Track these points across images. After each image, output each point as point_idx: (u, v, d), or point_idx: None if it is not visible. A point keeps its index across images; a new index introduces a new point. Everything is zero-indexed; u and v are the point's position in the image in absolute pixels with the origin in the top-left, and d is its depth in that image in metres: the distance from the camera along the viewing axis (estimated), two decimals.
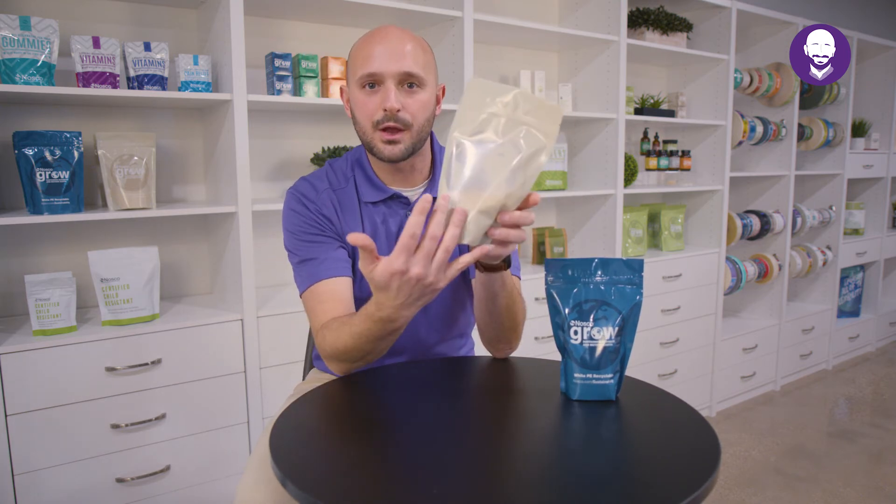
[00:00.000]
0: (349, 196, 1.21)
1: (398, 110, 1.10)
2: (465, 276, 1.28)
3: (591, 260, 1.02)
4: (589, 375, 1.01)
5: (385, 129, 1.12)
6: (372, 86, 1.11)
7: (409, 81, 1.11)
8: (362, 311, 1.00)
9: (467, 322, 1.35)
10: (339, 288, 1.14)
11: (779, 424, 2.97)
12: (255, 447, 1.11)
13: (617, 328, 1.00)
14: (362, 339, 1.02)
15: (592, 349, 1.01)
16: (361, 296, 1.21)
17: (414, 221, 0.85)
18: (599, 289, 1.01)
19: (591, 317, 1.01)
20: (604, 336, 1.00)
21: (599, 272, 1.02)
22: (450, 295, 1.27)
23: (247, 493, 1.02)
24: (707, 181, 3.11)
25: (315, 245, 1.17)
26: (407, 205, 1.21)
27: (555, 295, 1.02)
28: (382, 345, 1.04)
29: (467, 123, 0.89)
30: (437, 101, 1.20)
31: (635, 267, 1.02)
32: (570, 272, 1.02)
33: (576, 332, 1.01)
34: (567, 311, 1.02)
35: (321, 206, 1.19)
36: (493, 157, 0.87)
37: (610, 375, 1.01)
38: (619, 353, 1.01)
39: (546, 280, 1.03)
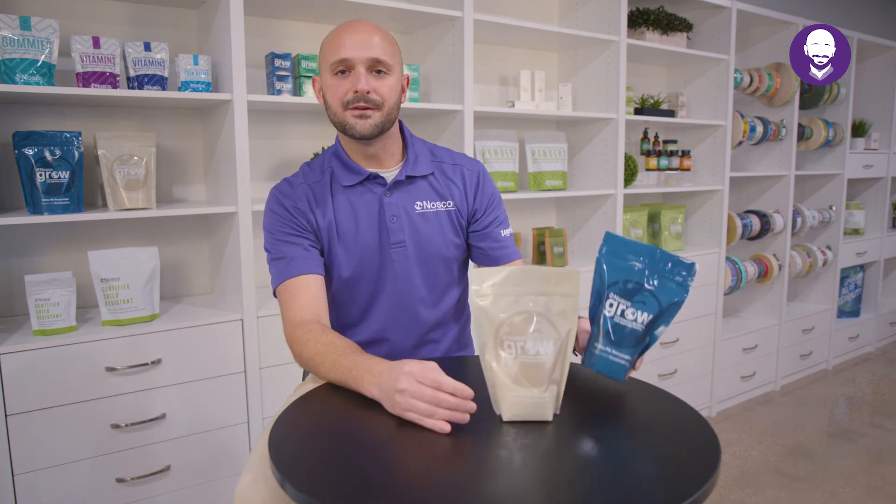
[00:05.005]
0: (323, 187, 1.28)
1: (368, 92, 1.19)
2: (451, 271, 1.33)
3: (655, 248, 1.02)
4: (609, 350, 1.01)
5: (355, 108, 1.19)
6: (343, 72, 1.20)
7: (377, 68, 1.20)
8: (362, 359, 1.03)
9: (463, 308, 1.41)
10: (309, 284, 1.21)
11: (779, 424, 2.97)
12: (254, 446, 1.12)
13: (651, 317, 1.00)
14: (337, 374, 1.06)
15: (621, 326, 1.01)
16: (345, 275, 1.27)
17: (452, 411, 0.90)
18: (648, 275, 1.01)
19: (632, 297, 1.01)
20: (636, 319, 1.01)
21: (655, 261, 1.02)
22: (444, 280, 1.33)
23: (246, 491, 1.02)
24: (707, 181, 3.11)
25: (288, 245, 1.24)
26: (384, 185, 1.28)
27: (604, 265, 1.03)
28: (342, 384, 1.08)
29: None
30: (403, 90, 1.27)
31: (689, 270, 1.01)
32: (627, 252, 1.02)
33: (611, 305, 1.02)
34: (611, 283, 1.02)
35: (296, 201, 1.26)
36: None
37: (627, 357, 1.01)
38: (643, 341, 1.01)
39: (600, 251, 1.04)
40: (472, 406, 0.91)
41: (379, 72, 1.20)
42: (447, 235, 1.31)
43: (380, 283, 1.28)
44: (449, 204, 1.31)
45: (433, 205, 1.30)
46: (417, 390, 0.90)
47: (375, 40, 1.19)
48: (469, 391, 0.91)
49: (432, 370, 0.92)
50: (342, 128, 1.23)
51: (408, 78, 1.32)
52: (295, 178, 1.30)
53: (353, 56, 1.18)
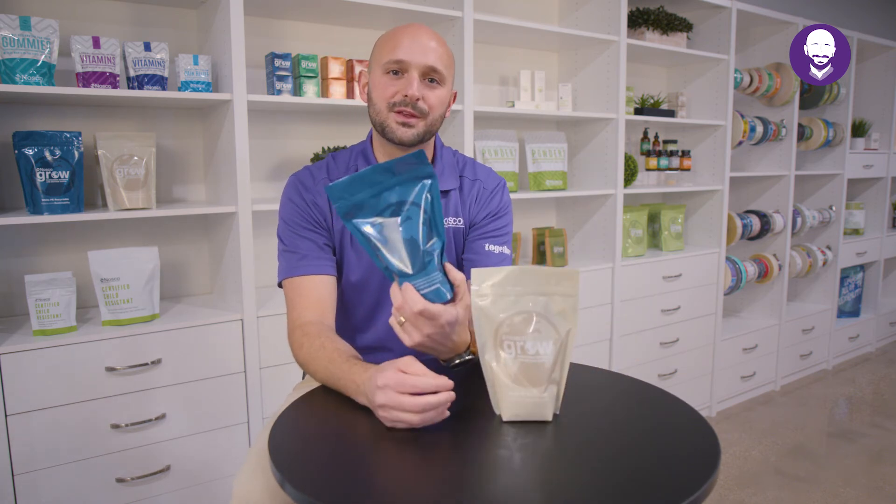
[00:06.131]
0: None
1: (418, 99, 1.16)
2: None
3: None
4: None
5: (399, 112, 1.17)
6: (396, 73, 1.17)
7: (431, 76, 1.18)
8: (347, 367, 1.01)
9: None
10: (317, 285, 1.20)
11: (779, 424, 2.97)
12: (254, 441, 1.12)
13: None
14: (330, 381, 1.06)
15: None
16: (353, 279, 1.25)
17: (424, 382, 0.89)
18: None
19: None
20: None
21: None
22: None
23: (244, 484, 1.02)
24: (707, 181, 3.11)
25: (303, 239, 1.22)
26: None
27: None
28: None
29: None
30: (449, 105, 1.25)
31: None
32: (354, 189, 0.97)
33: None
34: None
35: (315, 196, 1.24)
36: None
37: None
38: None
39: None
40: (452, 396, 0.89)
41: (432, 80, 1.18)
42: (455, 252, 1.29)
43: (385, 292, 1.27)
44: (459, 221, 1.29)
45: (445, 220, 1.28)
46: (397, 402, 0.87)
47: (434, 47, 1.18)
48: (448, 382, 0.89)
49: (408, 376, 0.89)
50: (382, 129, 1.20)
51: (455, 94, 1.29)
52: (318, 171, 1.27)
53: (409, 59, 1.16)
